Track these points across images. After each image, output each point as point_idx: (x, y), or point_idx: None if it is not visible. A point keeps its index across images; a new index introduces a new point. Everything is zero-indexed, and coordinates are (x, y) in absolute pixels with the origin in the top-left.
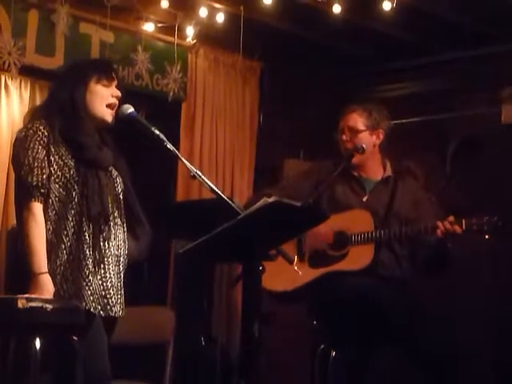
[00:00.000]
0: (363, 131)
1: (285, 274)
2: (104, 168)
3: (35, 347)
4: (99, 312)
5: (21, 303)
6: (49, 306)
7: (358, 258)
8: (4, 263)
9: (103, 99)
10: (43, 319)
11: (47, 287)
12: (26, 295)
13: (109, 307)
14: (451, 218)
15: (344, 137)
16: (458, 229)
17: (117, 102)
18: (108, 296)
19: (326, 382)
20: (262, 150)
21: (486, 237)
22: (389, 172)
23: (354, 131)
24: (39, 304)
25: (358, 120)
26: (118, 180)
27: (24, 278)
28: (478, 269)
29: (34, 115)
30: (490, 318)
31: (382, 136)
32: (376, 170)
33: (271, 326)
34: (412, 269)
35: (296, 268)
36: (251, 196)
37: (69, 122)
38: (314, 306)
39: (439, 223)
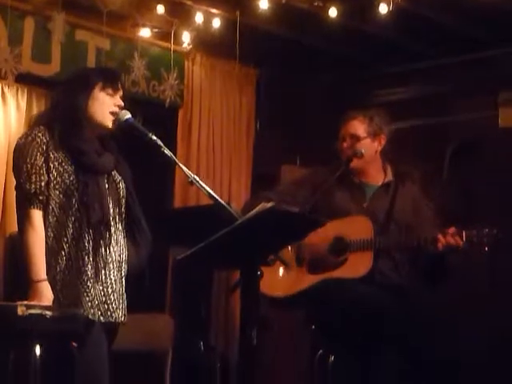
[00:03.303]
0: (364, 138)
1: (283, 279)
2: (104, 173)
3: (35, 354)
4: (99, 318)
5: (20, 310)
6: (48, 313)
7: (357, 266)
8: (3, 271)
9: (105, 107)
10: (43, 326)
11: (46, 294)
12: (26, 302)
13: (109, 313)
14: (452, 230)
15: (345, 144)
16: (458, 241)
17: (118, 111)
18: (108, 302)
19: None
20: (258, 155)
21: (486, 249)
22: (389, 177)
23: (356, 138)
24: (38, 311)
25: (359, 127)
26: (121, 185)
27: (23, 285)
28: (477, 276)
29: (35, 121)
30: (491, 325)
31: (383, 142)
32: (377, 175)
33: (270, 331)
34: (412, 274)
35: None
36: (248, 200)
37: (68, 128)
38: (313, 312)
39: (440, 236)
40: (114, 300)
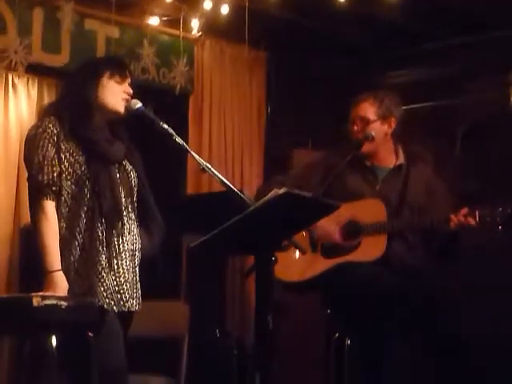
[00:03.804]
0: (375, 121)
1: (298, 264)
2: (115, 162)
3: (51, 344)
4: (112, 307)
5: (36, 301)
6: (63, 304)
7: (371, 249)
8: (18, 261)
9: (115, 94)
10: (58, 316)
11: (60, 285)
12: (41, 293)
13: (122, 302)
14: (465, 211)
15: (355, 127)
16: (471, 221)
17: (129, 98)
18: (121, 291)
19: (342, 370)
20: (270, 140)
21: (500, 228)
22: (401, 159)
23: (366, 121)
24: (54, 301)
25: (369, 110)
26: (133, 174)
27: (38, 275)
28: (489, 255)
29: (45, 112)
30: (504, 304)
31: (393, 124)
32: (388, 157)
33: (285, 316)
34: (425, 256)
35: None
36: (261, 185)
37: (78, 118)
38: (328, 296)
39: (453, 216)
40: (127, 289)
